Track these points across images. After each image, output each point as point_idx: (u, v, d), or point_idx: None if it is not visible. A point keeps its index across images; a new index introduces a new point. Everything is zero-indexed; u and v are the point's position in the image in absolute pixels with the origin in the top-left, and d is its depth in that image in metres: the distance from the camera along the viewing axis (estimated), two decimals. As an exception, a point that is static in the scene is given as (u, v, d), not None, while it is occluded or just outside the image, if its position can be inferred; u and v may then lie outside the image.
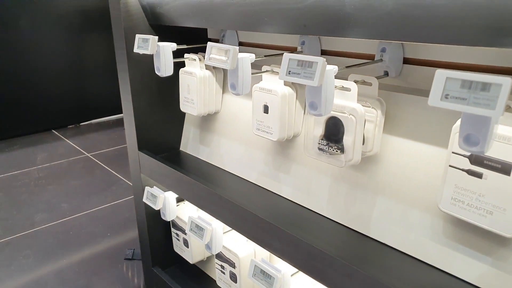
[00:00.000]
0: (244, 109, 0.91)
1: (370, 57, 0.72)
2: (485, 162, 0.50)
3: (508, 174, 0.48)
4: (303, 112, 0.77)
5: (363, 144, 0.64)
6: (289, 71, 0.54)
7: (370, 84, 0.63)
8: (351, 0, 0.51)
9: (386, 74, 0.69)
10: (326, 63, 0.51)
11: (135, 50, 0.83)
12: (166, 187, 0.98)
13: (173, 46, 0.84)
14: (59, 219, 1.69)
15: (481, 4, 0.41)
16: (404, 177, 0.63)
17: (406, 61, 0.67)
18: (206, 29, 1.01)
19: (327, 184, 0.74)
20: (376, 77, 0.63)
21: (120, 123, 2.96)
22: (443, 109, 0.59)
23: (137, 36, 0.82)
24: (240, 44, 0.97)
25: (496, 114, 0.36)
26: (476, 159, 0.50)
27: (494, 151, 0.48)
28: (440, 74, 0.39)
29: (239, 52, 0.65)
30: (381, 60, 0.67)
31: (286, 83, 0.74)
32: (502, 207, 0.49)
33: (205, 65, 0.92)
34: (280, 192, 0.83)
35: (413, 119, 0.63)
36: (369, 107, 0.63)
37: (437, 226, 0.59)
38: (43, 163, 2.27)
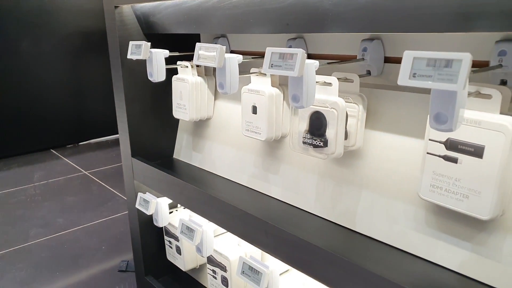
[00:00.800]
0: (235, 114, 0.93)
1: (353, 58, 0.74)
2: (459, 146, 0.51)
3: (481, 157, 0.50)
4: (290, 112, 0.79)
5: (346, 138, 0.66)
6: (272, 64, 0.57)
7: (352, 81, 0.66)
8: (328, -4, 0.54)
9: (369, 73, 0.71)
10: (305, 54, 0.54)
11: (129, 56, 0.86)
12: (159, 192, 0.99)
13: (165, 52, 0.87)
14: (54, 233, 1.69)
15: (445, -8, 0.43)
16: (387, 170, 0.65)
17: (387, 60, 0.70)
18: (199, 38, 1.05)
19: (314, 182, 0.75)
20: (358, 75, 0.66)
21: (119, 142, 2.98)
22: (421, 102, 0.61)
23: (131, 42, 0.85)
24: (232, 52, 1.00)
25: (459, 87, 0.38)
26: (451, 144, 0.52)
27: (467, 135, 0.50)
28: (408, 55, 0.42)
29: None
30: (363, 59, 0.70)
31: (273, 84, 0.77)
32: (477, 190, 0.51)
33: (197, 72, 0.95)
34: (270, 192, 0.84)
35: (394, 114, 0.65)
36: (351, 102, 0.65)
37: (420, 216, 0.60)
38: (40, 180, 2.28)
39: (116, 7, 0.91)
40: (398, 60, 0.69)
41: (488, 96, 0.49)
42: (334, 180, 0.72)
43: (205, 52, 0.69)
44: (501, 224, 0.52)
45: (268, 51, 0.57)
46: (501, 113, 0.49)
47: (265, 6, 0.63)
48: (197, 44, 0.70)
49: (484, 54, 0.57)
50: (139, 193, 1.02)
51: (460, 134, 0.51)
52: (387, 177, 0.65)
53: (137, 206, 1.01)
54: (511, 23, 0.40)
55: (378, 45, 0.69)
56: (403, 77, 0.42)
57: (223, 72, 0.69)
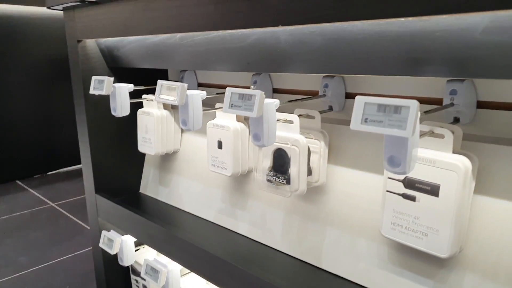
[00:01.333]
0: (202, 147, 0.93)
1: (316, 93, 0.76)
2: (416, 185, 0.52)
3: (437, 196, 0.50)
4: (257, 147, 0.79)
5: (310, 174, 0.66)
6: (232, 104, 0.57)
7: (313, 118, 0.67)
8: (285, 37, 0.55)
9: (331, 108, 0.72)
10: (264, 95, 0.54)
11: (91, 91, 0.84)
12: (124, 231, 0.96)
13: (130, 86, 0.86)
14: (15, 273, 1.60)
15: (395, 36, 0.45)
16: (350, 206, 0.65)
17: (348, 95, 0.71)
18: (166, 71, 1.05)
19: (280, 218, 0.75)
20: (320, 112, 0.67)
21: (88, 171, 2.89)
22: (381, 138, 0.62)
23: (93, 77, 0.84)
24: (200, 85, 1.00)
25: (407, 133, 0.38)
26: (408, 183, 0.53)
27: (423, 173, 0.51)
28: (359, 100, 0.42)
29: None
30: (324, 95, 0.71)
31: (238, 119, 0.77)
32: (435, 228, 0.51)
33: (163, 105, 0.95)
34: (237, 229, 0.83)
35: (356, 149, 0.65)
36: (312, 138, 0.65)
37: (383, 253, 0.60)
38: (2, 215, 2.17)
39: (79, 41, 0.90)
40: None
41: (441, 136, 0.50)
42: (299, 216, 0.71)
43: (167, 90, 0.69)
44: (460, 261, 0.53)
45: (228, 91, 0.57)
46: (454, 151, 0.51)
47: (225, 45, 0.63)
48: (159, 81, 0.69)
49: (438, 92, 0.59)
50: (103, 231, 0.98)
51: (417, 172, 0.52)
52: (350, 213, 0.65)
53: (101, 245, 0.97)
54: (455, 70, 0.41)
55: (339, 82, 0.70)
56: (355, 122, 0.42)
57: (185, 109, 0.68)
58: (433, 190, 0.50)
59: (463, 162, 0.48)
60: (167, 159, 1.01)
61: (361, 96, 0.42)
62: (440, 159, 0.49)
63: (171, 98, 0.68)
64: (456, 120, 0.56)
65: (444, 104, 0.56)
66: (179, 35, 0.71)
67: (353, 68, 0.49)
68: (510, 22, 0.36)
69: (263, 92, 0.54)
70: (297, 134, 0.63)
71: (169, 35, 0.73)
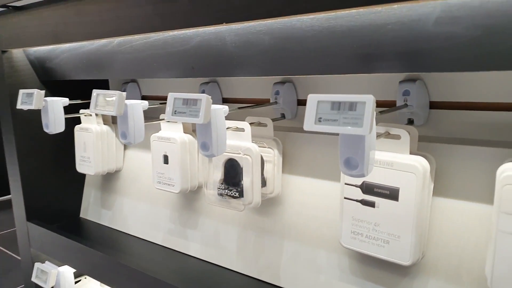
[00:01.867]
0: (147, 163, 0.86)
1: (267, 102, 0.72)
2: (375, 189, 0.49)
3: (397, 200, 0.48)
4: (207, 161, 0.74)
5: (264, 185, 0.62)
6: (175, 111, 0.52)
7: (266, 125, 0.63)
8: (231, 38, 0.51)
9: (283, 116, 0.69)
10: (210, 100, 0.49)
11: (18, 106, 0.75)
12: (61, 261, 0.86)
13: (64, 101, 0.78)
14: None
15: (346, 31, 0.42)
16: (307, 216, 0.61)
17: (300, 102, 0.68)
18: (107, 83, 0.97)
19: (234, 235, 0.69)
20: (272, 119, 0.63)
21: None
22: (336, 144, 0.60)
23: (21, 91, 0.75)
24: (144, 97, 0.94)
25: (364, 131, 0.35)
26: (367, 188, 0.50)
27: (381, 177, 0.49)
28: (312, 99, 0.39)
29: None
30: (276, 102, 0.67)
31: (186, 130, 0.71)
32: (396, 235, 0.48)
33: (103, 120, 0.87)
34: (188, 250, 0.76)
35: (310, 157, 0.62)
36: (266, 147, 0.61)
37: (344, 264, 0.57)
38: None
39: (4, 51, 0.81)
40: (310, 103, 0.67)
41: (397, 137, 0.48)
42: (255, 231, 0.67)
43: (103, 100, 0.62)
44: (422, 268, 0.51)
45: (171, 96, 0.52)
46: (411, 152, 0.49)
47: (168, 49, 0.59)
48: (94, 91, 0.62)
49: (391, 94, 0.58)
50: (36, 263, 0.87)
51: (375, 176, 0.49)
52: (308, 224, 0.61)
53: (33, 279, 0.86)
54: (409, 65, 0.39)
55: (290, 88, 0.68)
56: (309, 122, 0.39)
57: (125, 120, 0.62)
58: (392, 194, 0.48)
59: (421, 163, 0.46)
60: (109, 179, 0.92)
61: (314, 94, 0.39)
62: (398, 161, 0.47)
63: (109, 109, 0.62)
64: (410, 122, 0.55)
65: (397, 105, 0.54)
66: (116, 41, 0.65)
67: (304, 68, 0.46)
68: (462, 12, 0.35)
69: (210, 97, 0.49)
70: (249, 143, 0.59)
71: (106, 41, 0.67)
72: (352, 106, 0.36)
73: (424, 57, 0.38)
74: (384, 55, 0.40)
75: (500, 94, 0.50)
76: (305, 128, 0.39)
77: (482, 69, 0.35)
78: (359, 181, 0.51)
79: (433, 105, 0.54)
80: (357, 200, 0.51)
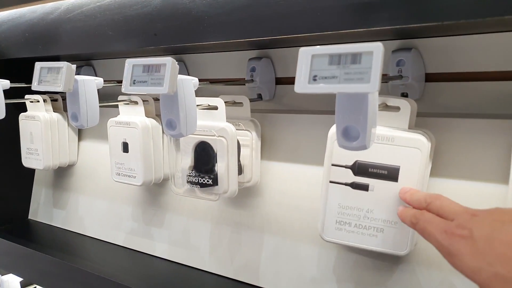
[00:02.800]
0: (105, 157, 0.76)
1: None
2: (370, 170, 0.43)
3: (396, 180, 0.41)
4: (173, 147, 0.65)
5: (241, 173, 0.54)
6: (134, 80, 0.43)
7: (242, 105, 0.55)
8: (201, -5, 0.43)
9: (260, 97, 0.62)
10: (177, 65, 0.41)
11: None
12: (5, 269, 0.74)
13: (4, 83, 0.67)
14: None
15: (338, -18, 0.36)
16: (290, 207, 0.54)
17: (279, 81, 0.61)
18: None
19: (207, 231, 0.61)
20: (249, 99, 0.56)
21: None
22: (321, 124, 0.53)
23: (-51, 69, 0.63)
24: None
25: (371, 87, 0.29)
26: (359, 168, 0.43)
27: (378, 155, 0.42)
28: (305, 52, 0.32)
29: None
30: (252, 80, 0.60)
31: (148, 114, 0.63)
32: (392, 221, 0.42)
33: (53, 107, 0.76)
34: (154, 251, 0.67)
35: (292, 140, 0.55)
36: (242, 129, 0.54)
37: (330, 259, 0.50)
38: None
39: None
40: (291, 81, 0.61)
41: (396, 109, 0.42)
42: (230, 226, 0.59)
43: (48, 74, 0.53)
44: (415, 258, 0.45)
45: (129, 64, 0.43)
46: (409, 128, 0.43)
47: (125, 12, 0.50)
48: (37, 63, 0.53)
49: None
50: (-27, 273, 0.75)
51: (370, 155, 0.43)
52: (290, 215, 0.54)
53: (-31, 291, 0.74)
54: (417, 14, 0.33)
55: (268, 64, 0.60)
56: (301, 83, 0.32)
57: (75, 98, 0.53)
58: (391, 174, 0.42)
59: (425, 138, 0.40)
60: (61, 175, 0.82)
61: (304, 47, 0.32)
62: (399, 135, 0.41)
63: (55, 85, 0.52)
64: (404, 96, 0.49)
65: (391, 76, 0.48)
66: (63, 6, 0.56)
67: (291, 27, 0.39)
68: None
69: (176, 62, 0.41)
70: (224, 122, 0.51)
71: (50, 7, 0.57)
72: (355, 58, 0.30)
73: (437, 1, 0.31)
74: (386, 3, 0.33)
75: (501, 62, 0.45)
76: (297, 89, 0.32)
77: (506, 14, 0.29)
78: (350, 161, 0.44)
79: (429, 78, 0.49)
80: (346, 184, 0.44)
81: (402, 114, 0.42)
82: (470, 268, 0.29)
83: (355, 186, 0.44)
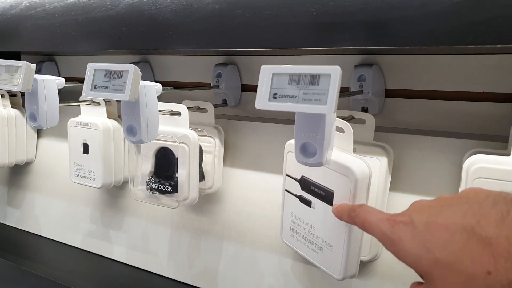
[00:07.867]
0: (64, 155, 0.73)
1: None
2: (311, 188, 0.42)
3: (331, 204, 0.40)
4: (134, 150, 0.64)
5: (203, 179, 0.54)
6: (95, 85, 0.42)
7: (206, 111, 0.55)
8: (168, 1, 0.43)
9: (225, 103, 0.62)
10: (139, 72, 0.41)
11: None
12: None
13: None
14: None
15: None
16: (250, 214, 0.55)
17: (244, 88, 0.62)
18: (19, 58, 0.83)
19: (166, 236, 0.61)
20: (213, 105, 0.56)
21: None
22: (284, 134, 0.53)
23: None
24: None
25: (328, 109, 0.29)
26: (304, 184, 0.43)
27: (320, 176, 0.41)
28: (266, 70, 0.32)
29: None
30: (217, 86, 0.60)
31: (110, 115, 0.61)
32: (329, 243, 0.41)
33: (11, 102, 0.73)
34: (111, 255, 0.66)
35: (255, 148, 0.56)
36: (206, 135, 0.54)
37: (288, 266, 0.51)
38: None
39: None
40: (256, 88, 0.61)
41: (362, 121, 0.43)
42: (190, 232, 0.59)
43: (6, 72, 0.50)
44: (377, 269, 0.46)
45: (90, 68, 0.42)
46: (367, 143, 0.44)
47: (89, 14, 0.48)
48: (-9, 59, 0.50)
49: (344, 81, 0.53)
50: None
51: (313, 173, 0.41)
52: (251, 222, 0.55)
53: None
54: (375, 37, 0.34)
55: (234, 71, 0.61)
56: (261, 99, 0.32)
57: (34, 98, 0.51)
58: (327, 196, 0.40)
59: (359, 167, 0.39)
60: (18, 172, 0.79)
61: (266, 65, 0.33)
62: (335, 159, 0.38)
63: (13, 83, 0.50)
64: (364, 111, 0.51)
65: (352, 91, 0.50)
66: (25, 2, 0.54)
67: (255, 40, 0.39)
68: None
69: (138, 68, 0.41)
70: (186, 129, 0.50)
71: (11, 3, 0.55)
72: (314, 79, 0.30)
73: (396, 28, 0.33)
74: (348, 25, 0.34)
75: (459, 83, 0.47)
76: (257, 106, 0.32)
77: (460, 44, 0.30)
78: (298, 175, 0.44)
79: (388, 93, 0.50)
80: (296, 195, 0.44)
81: (367, 127, 0.43)
82: (411, 255, 0.28)
83: (302, 200, 0.43)
